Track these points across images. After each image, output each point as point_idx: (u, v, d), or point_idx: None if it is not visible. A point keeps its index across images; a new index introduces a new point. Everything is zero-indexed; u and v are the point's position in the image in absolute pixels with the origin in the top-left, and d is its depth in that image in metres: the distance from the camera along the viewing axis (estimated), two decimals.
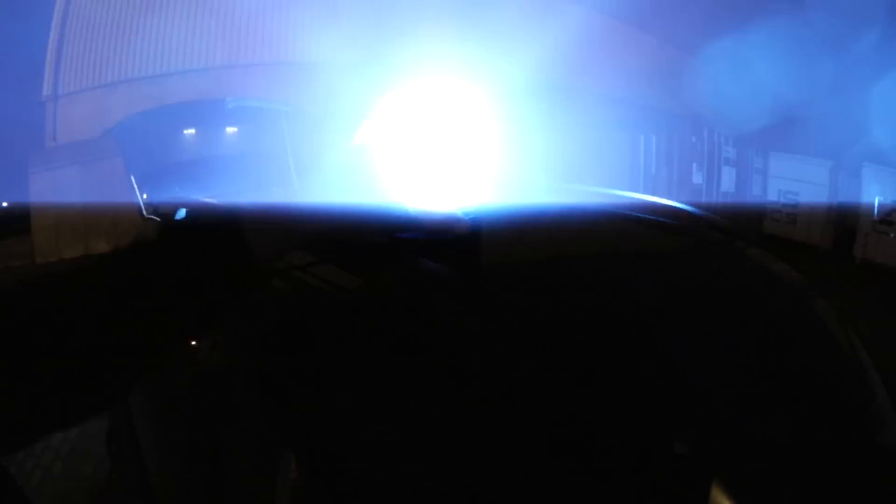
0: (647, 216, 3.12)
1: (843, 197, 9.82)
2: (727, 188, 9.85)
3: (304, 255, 2.00)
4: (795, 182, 10.03)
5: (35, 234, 15.37)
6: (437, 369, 1.26)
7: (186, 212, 3.19)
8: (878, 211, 9.42)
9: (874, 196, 9.54)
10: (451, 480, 1.07)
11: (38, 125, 16.90)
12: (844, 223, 9.61)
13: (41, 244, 15.11)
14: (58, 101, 16.24)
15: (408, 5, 15.66)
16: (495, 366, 1.24)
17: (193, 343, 1.16)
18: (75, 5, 16.30)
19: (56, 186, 15.08)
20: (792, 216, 9.76)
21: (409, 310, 1.50)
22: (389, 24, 15.55)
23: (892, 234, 9.22)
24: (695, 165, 9.66)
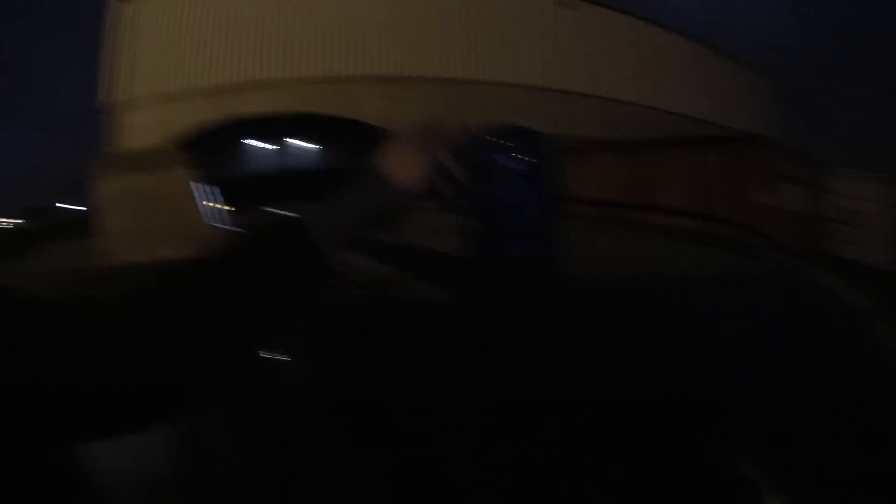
0: (712, 237, 3.17)
1: None
2: (790, 206, 9.77)
3: (384, 269, 2.03)
4: (857, 200, 9.88)
5: (98, 238, 15.97)
6: (536, 390, 1.30)
7: (254, 222, 3.28)
8: None
9: None
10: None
11: (103, 131, 17.47)
12: None
13: (104, 247, 15.68)
14: (123, 109, 16.80)
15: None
16: (600, 390, 1.30)
17: (269, 357, 1.20)
18: (143, 15, 16.86)
19: (122, 192, 15.54)
20: (854, 235, 9.60)
21: (502, 326, 1.55)
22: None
23: None
24: (757, 184, 9.59)
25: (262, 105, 13.93)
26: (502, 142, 0.87)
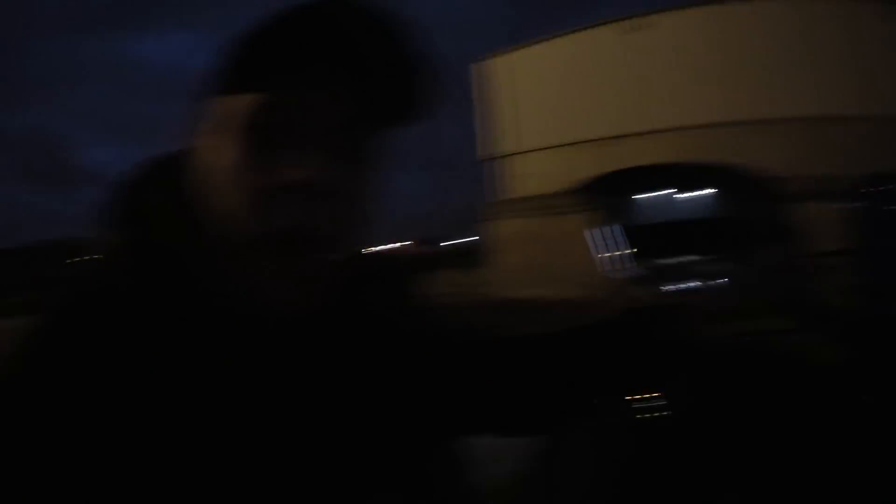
0: None
1: None
2: None
3: (773, 319, 1.75)
4: None
5: (495, 271, 17.84)
6: None
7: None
8: None
9: None
10: None
11: (489, 179, 19.61)
12: None
13: (499, 280, 17.38)
14: (505, 159, 18.65)
15: None
16: None
17: (637, 396, 1.03)
18: (513, 71, 18.73)
19: (511, 233, 17.26)
20: None
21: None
22: None
23: None
24: None
25: (644, 154, 13.99)
26: (886, 189, 0.59)
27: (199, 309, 0.53)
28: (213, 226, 0.54)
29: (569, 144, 16.37)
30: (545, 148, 17.18)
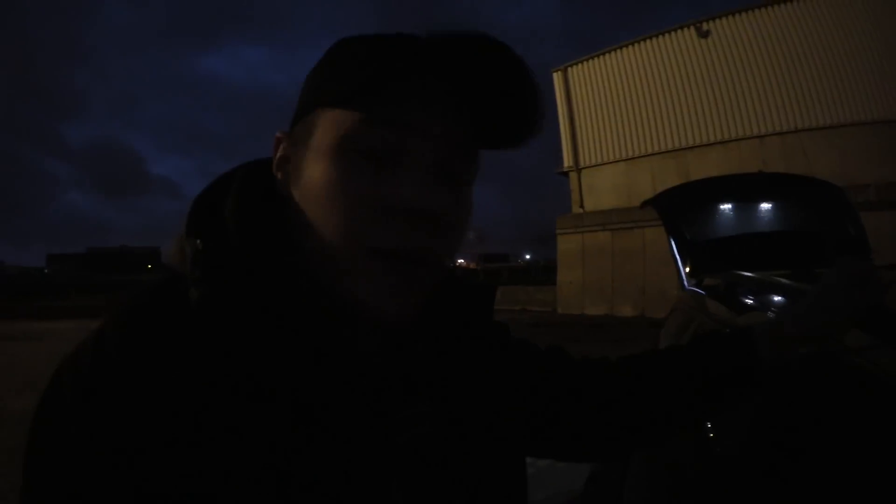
0: None
1: None
2: None
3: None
4: None
5: (561, 288, 17.75)
6: None
7: (728, 286, 2.81)
8: None
9: None
10: None
11: (562, 191, 19.44)
12: None
13: (566, 297, 17.36)
14: (578, 172, 18.46)
15: None
16: None
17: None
18: (581, 82, 18.47)
19: (581, 248, 17.09)
20: None
21: None
22: None
23: None
24: None
25: (713, 165, 13.56)
26: None
27: (277, 322, 0.52)
28: (311, 241, 0.55)
29: (641, 157, 16.10)
30: (615, 161, 16.96)
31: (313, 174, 0.55)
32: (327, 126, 0.55)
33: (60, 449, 0.46)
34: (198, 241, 0.56)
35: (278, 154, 0.60)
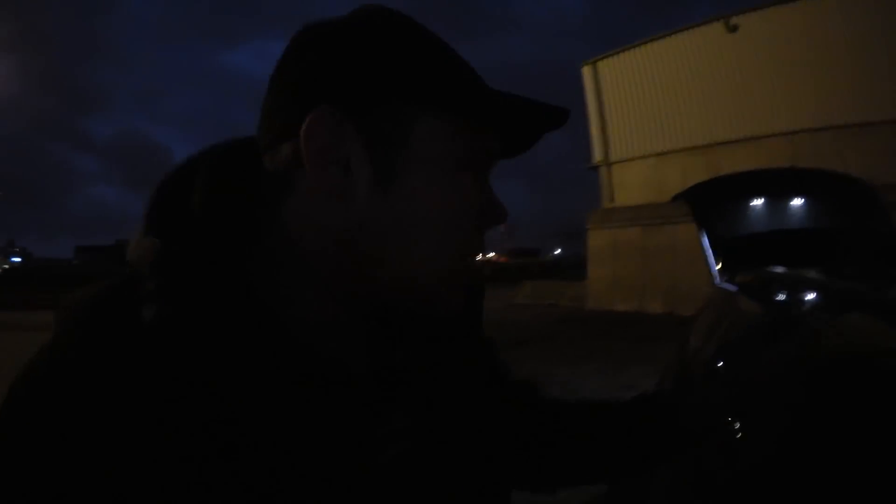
0: None
1: None
2: None
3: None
4: None
5: (591, 283, 17.53)
6: None
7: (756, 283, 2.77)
8: None
9: None
10: None
11: (591, 188, 19.29)
12: None
13: (595, 292, 17.14)
14: (607, 167, 18.30)
15: None
16: None
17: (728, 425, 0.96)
18: (609, 77, 18.34)
19: (611, 243, 17.04)
20: None
21: None
22: None
23: None
24: None
25: (743, 161, 13.30)
26: None
27: (251, 359, 0.43)
28: (395, 259, 0.49)
29: (671, 152, 15.90)
30: (645, 157, 16.78)
31: (420, 184, 0.48)
32: (438, 131, 0.49)
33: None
34: (157, 241, 0.46)
35: (326, 140, 0.47)
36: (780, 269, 3.12)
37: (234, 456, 0.40)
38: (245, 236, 0.49)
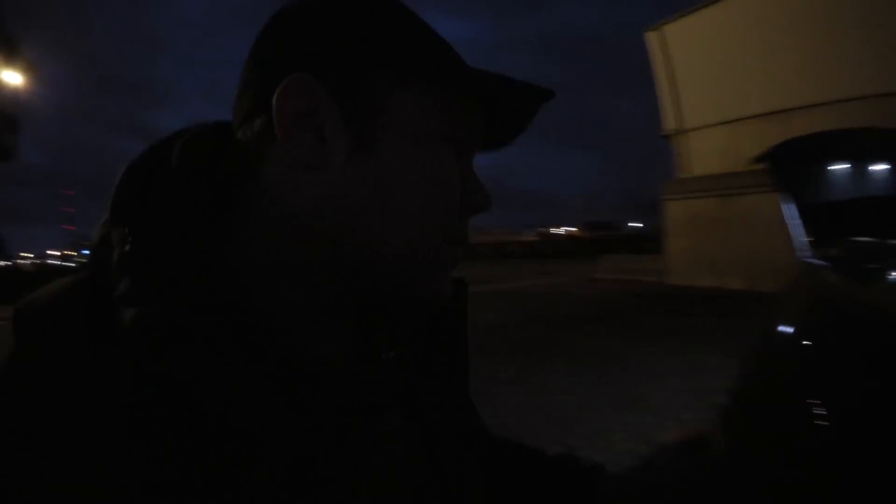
0: None
1: None
2: None
3: None
4: None
5: (670, 258, 16.99)
6: None
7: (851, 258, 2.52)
8: None
9: None
10: None
11: (667, 157, 18.74)
12: None
13: (674, 266, 16.63)
14: (680, 136, 17.77)
15: None
16: None
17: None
18: (676, 43, 17.60)
19: (687, 215, 16.50)
20: None
21: None
22: None
23: None
24: None
25: (823, 129, 12.42)
26: None
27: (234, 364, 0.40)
28: (377, 231, 0.46)
29: (746, 118, 15.22)
30: (719, 124, 16.15)
31: (398, 157, 0.46)
32: (417, 102, 0.46)
33: None
34: (125, 230, 0.43)
35: (299, 107, 0.44)
36: (870, 239, 2.95)
37: (216, 459, 0.38)
38: (216, 217, 0.46)
